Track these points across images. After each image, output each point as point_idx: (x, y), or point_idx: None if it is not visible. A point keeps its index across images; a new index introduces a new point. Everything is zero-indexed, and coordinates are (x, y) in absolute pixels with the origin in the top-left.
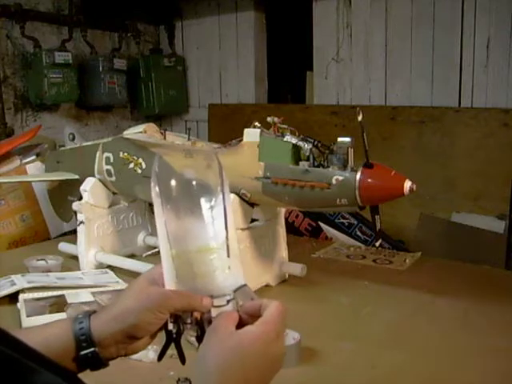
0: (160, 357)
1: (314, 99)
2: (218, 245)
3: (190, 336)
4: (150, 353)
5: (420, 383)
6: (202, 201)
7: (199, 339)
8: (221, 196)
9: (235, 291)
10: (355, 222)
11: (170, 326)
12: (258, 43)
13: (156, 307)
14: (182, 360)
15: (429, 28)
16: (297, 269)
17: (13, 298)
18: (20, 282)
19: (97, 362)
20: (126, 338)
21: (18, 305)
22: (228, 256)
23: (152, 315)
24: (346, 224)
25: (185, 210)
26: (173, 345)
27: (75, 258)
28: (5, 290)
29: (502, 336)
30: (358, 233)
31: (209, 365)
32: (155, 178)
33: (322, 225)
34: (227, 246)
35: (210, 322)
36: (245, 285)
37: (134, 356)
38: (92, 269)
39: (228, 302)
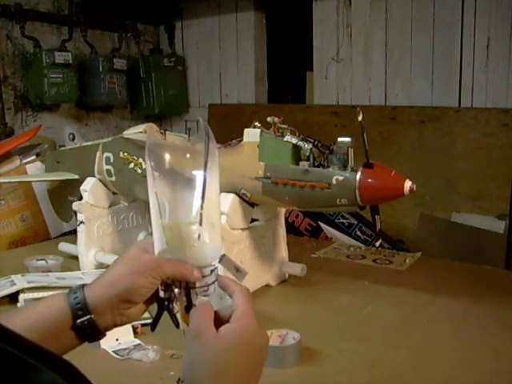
0: (153, 326)
1: (314, 99)
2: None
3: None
4: (150, 353)
5: (420, 383)
6: (194, 174)
7: (187, 309)
8: (212, 169)
9: (219, 261)
10: (355, 222)
11: (162, 294)
12: (257, 43)
13: (148, 271)
14: (176, 325)
15: (429, 28)
16: (297, 269)
17: (13, 298)
18: (20, 282)
19: (94, 331)
20: (121, 302)
21: (18, 305)
22: (200, 225)
23: (145, 279)
24: (346, 224)
25: (177, 183)
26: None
27: (75, 257)
28: (5, 290)
29: (501, 336)
30: (358, 233)
31: (200, 373)
32: (148, 151)
33: (322, 225)
34: (200, 215)
35: (194, 287)
36: (224, 254)
37: (134, 356)
38: (92, 269)
39: (211, 272)
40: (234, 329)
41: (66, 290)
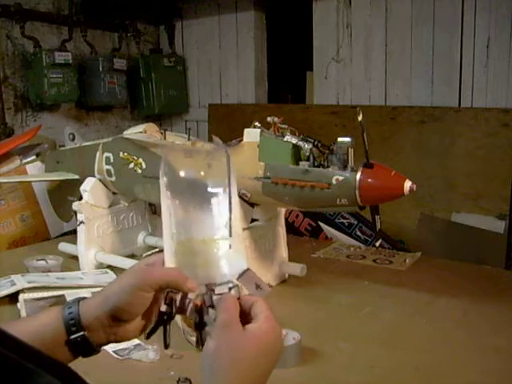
0: (148, 335)
1: (314, 99)
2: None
3: (189, 336)
4: (150, 353)
5: (420, 383)
6: (211, 192)
7: (197, 326)
8: (232, 189)
9: (238, 278)
10: (355, 222)
11: (163, 308)
12: (257, 43)
13: (136, 285)
14: (165, 345)
15: (429, 28)
16: (297, 269)
17: (13, 298)
18: (20, 282)
19: (87, 347)
20: (111, 320)
21: (18, 305)
22: (230, 235)
23: (133, 294)
24: (346, 224)
25: (193, 200)
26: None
27: (75, 257)
28: (5, 290)
29: (501, 335)
30: (358, 233)
31: (221, 361)
32: (163, 168)
33: (322, 225)
34: (230, 226)
35: (211, 306)
36: (248, 269)
37: (134, 356)
38: (92, 269)
39: (230, 289)
40: (262, 329)
41: (66, 292)
